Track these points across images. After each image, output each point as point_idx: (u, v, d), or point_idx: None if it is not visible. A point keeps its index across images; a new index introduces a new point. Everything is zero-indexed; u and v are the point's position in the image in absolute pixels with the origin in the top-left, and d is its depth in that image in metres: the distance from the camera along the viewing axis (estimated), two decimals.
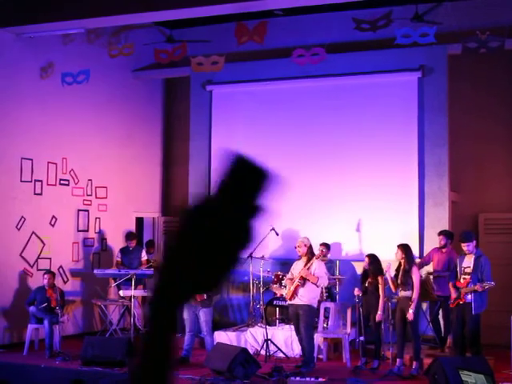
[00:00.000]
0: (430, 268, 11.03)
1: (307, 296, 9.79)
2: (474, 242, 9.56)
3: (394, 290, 9.65)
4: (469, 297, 9.34)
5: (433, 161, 12.05)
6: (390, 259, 10.00)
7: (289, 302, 10.03)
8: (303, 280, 9.78)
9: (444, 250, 10.88)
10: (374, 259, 10.11)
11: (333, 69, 12.52)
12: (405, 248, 9.64)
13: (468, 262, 9.48)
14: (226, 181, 1.42)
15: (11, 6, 11.32)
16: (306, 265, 9.84)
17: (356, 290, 10.15)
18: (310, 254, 9.92)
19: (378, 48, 12.32)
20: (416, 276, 9.49)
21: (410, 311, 9.33)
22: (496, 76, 12.43)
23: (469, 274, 9.40)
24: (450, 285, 9.66)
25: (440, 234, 10.98)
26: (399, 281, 9.52)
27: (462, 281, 9.46)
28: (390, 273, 9.65)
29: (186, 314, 10.41)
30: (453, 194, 12.26)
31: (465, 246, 9.47)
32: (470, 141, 12.47)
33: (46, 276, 11.19)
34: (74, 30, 11.78)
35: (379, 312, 9.80)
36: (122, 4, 10.76)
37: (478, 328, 9.40)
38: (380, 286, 9.84)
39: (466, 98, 12.46)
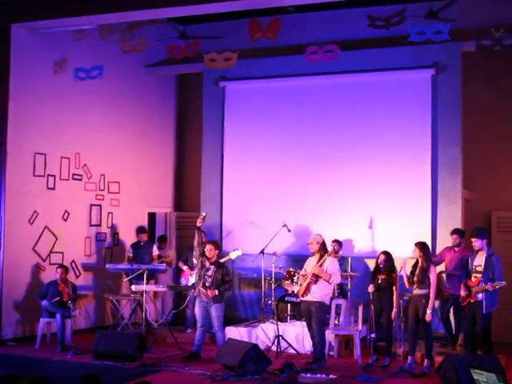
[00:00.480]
0: (441, 267, 10.99)
1: (319, 293, 9.79)
2: (485, 240, 9.51)
3: (407, 287, 9.63)
4: (480, 295, 9.30)
5: (446, 159, 12.01)
6: (401, 257, 9.97)
7: (301, 299, 10.03)
8: (316, 277, 9.78)
9: (457, 249, 10.86)
10: (388, 256, 10.09)
11: (346, 66, 12.49)
12: (423, 246, 9.60)
13: (479, 261, 9.43)
14: None
15: (25, 2, 11.37)
16: (318, 261, 9.84)
17: (370, 287, 10.11)
18: (323, 250, 9.91)
19: (392, 45, 12.30)
20: (433, 275, 9.45)
21: (428, 311, 9.29)
22: (510, 74, 12.35)
23: (480, 272, 9.36)
24: (462, 283, 9.61)
25: (453, 233, 10.95)
26: (415, 278, 9.48)
27: (473, 279, 9.42)
28: (405, 269, 9.62)
29: (197, 310, 10.44)
30: (466, 192, 12.22)
31: (473, 242, 9.43)
32: (483, 139, 12.42)
33: (58, 270, 11.24)
34: (88, 26, 11.81)
35: (394, 309, 9.79)
36: (134, 0, 10.78)
37: (489, 326, 9.37)
38: (395, 283, 9.83)
39: (480, 96, 12.40)
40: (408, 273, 9.59)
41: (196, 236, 10.57)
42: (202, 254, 10.45)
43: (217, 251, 10.56)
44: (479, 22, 11.48)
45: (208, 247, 10.45)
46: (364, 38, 12.49)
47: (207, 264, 10.42)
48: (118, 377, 8.96)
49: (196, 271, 10.72)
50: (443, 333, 11.03)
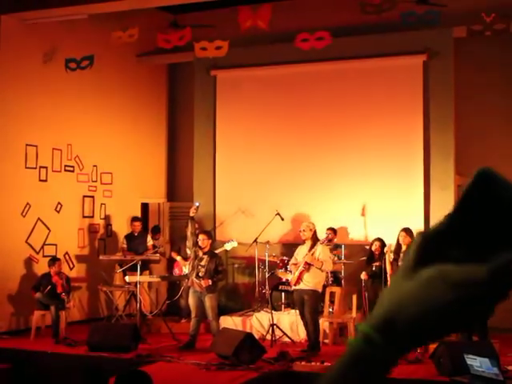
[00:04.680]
0: None
1: (312, 281, 9.80)
2: None
3: (389, 272, 9.64)
4: None
5: (438, 144, 12.00)
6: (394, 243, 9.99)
7: (294, 288, 10.04)
8: (308, 265, 9.78)
9: None
10: (383, 243, 10.12)
11: (338, 53, 12.44)
12: (409, 231, 9.63)
13: None
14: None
15: None
16: (310, 250, 9.84)
17: (363, 274, 10.13)
18: (315, 238, 9.93)
19: (383, 31, 12.25)
20: None
21: None
22: (503, 60, 12.33)
23: None
24: None
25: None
26: (401, 263, 9.49)
27: None
28: (389, 253, 9.66)
29: (191, 300, 10.44)
30: (458, 178, 12.21)
31: None
32: (475, 124, 12.41)
33: (51, 262, 11.22)
34: (78, 16, 11.74)
35: None
36: None
37: None
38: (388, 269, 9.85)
39: (472, 82, 12.37)
40: (392, 258, 9.62)
41: (189, 226, 10.56)
42: (196, 244, 10.44)
43: (210, 241, 10.55)
44: (470, 7, 11.43)
45: (201, 237, 10.44)
46: (355, 24, 12.44)
47: (200, 254, 10.41)
48: (113, 368, 8.95)
49: (189, 261, 10.71)
50: None
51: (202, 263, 10.34)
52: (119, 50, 12.87)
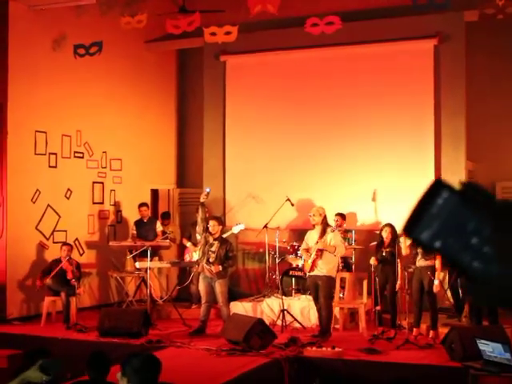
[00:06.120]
0: None
1: (326, 267, 9.78)
2: None
3: (404, 253, 9.62)
4: None
5: (449, 130, 11.92)
6: None
7: (308, 274, 10.00)
8: (320, 251, 9.75)
9: None
10: (393, 229, 10.10)
11: (348, 37, 12.35)
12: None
13: None
14: None
15: None
16: (320, 235, 9.80)
17: (373, 259, 10.11)
18: (325, 223, 9.89)
19: (394, 16, 12.15)
20: None
21: (436, 282, 9.33)
22: None
23: None
24: None
25: None
26: (419, 249, 9.47)
27: None
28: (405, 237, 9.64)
29: (201, 286, 10.43)
30: (469, 163, 12.14)
31: None
32: (487, 109, 12.31)
33: (63, 248, 11.23)
34: (86, 2, 11.69)
35: (399, 281, 9.82)
36: None
37: None
38: (399, 255, 9.84)
39: (484, 67, 12.27)
40: (408, 243, 9.58)
41: (200, 212, 10.54)
42: (206, 229, 10.42)
43: (220, 227, 10.52)
44: None
45: (211, 223, 10.41)
46: (366, 9, 12.35)
47: (211, 240, 10.39)
48: (124, 354, 8.94)
49: (199, 247, 10.68)
50: (448, 304, 11.00)
51: (213, 249, 10.32)
52: (128, 36, 12.82)
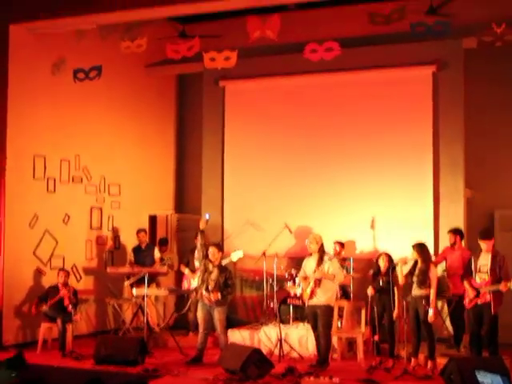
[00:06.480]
0: (442, 266, 10.91)
1: (325, 296, 9.71)
2: (493, 240, 9.42)
3: (400, 281, 9.56)
4: (488, 296, 9.19)
5: (448, 158, 11.90)
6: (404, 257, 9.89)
7: (307, 303, 9.91)
8: (318, 280, 9.68)
9: (456, 248, 10.78)
10: (390, 257, 10.06)
11: (347, 63, 12.35)
12: (420, 248, 9.55)
13: (485, 260, 9.33)
14: None
15: (24, 2, 11.27)
16: (318, 263, 9.72)
17: (370, 288, 10.06)
18: (322, 251, 9.83)
19: (392, 42, 12.17)
20: (433, 275, 9.41)
21: (430, 311, 9.24)
22: None
23: (485, 272, 9.26)
24: (466, 283, 9.49)
25: (448, 232, 10.92)
26: (415, 278, 9.43)
27: (478, 280, 9.32)
28: (400, 266, 9.59)
29: (199, 313, 10.35)
30: (468, 191, 12.11)
31: (484, 243, 9.32)
32: (485, 137, 12.30)
33: (60, 274, 11.17)
34: (86, 26, 11.70)
35: (396, 310, 9.75)
36: None
37: (496, 327, 9.28)
38: (396, 284, 9.77)
39: (482, 94, 12.26)
40: (404, 273, 9.53)
41: (199, 238, 10.49)
42: (205, 256, 10.35)
43: (220, 254, 10.45)
44: (480, 17, 11.33)
45: (211, 250, 10.34)
46: (365, 35, 12.37)
47: (210, 267, 10.31)
48: (120, 382, 8.87)
49: (198, 274, 10.61)
50: (447, 334, 10.92)
51: (212, 276, 10.24)
52: (128, 61, 12.85)
